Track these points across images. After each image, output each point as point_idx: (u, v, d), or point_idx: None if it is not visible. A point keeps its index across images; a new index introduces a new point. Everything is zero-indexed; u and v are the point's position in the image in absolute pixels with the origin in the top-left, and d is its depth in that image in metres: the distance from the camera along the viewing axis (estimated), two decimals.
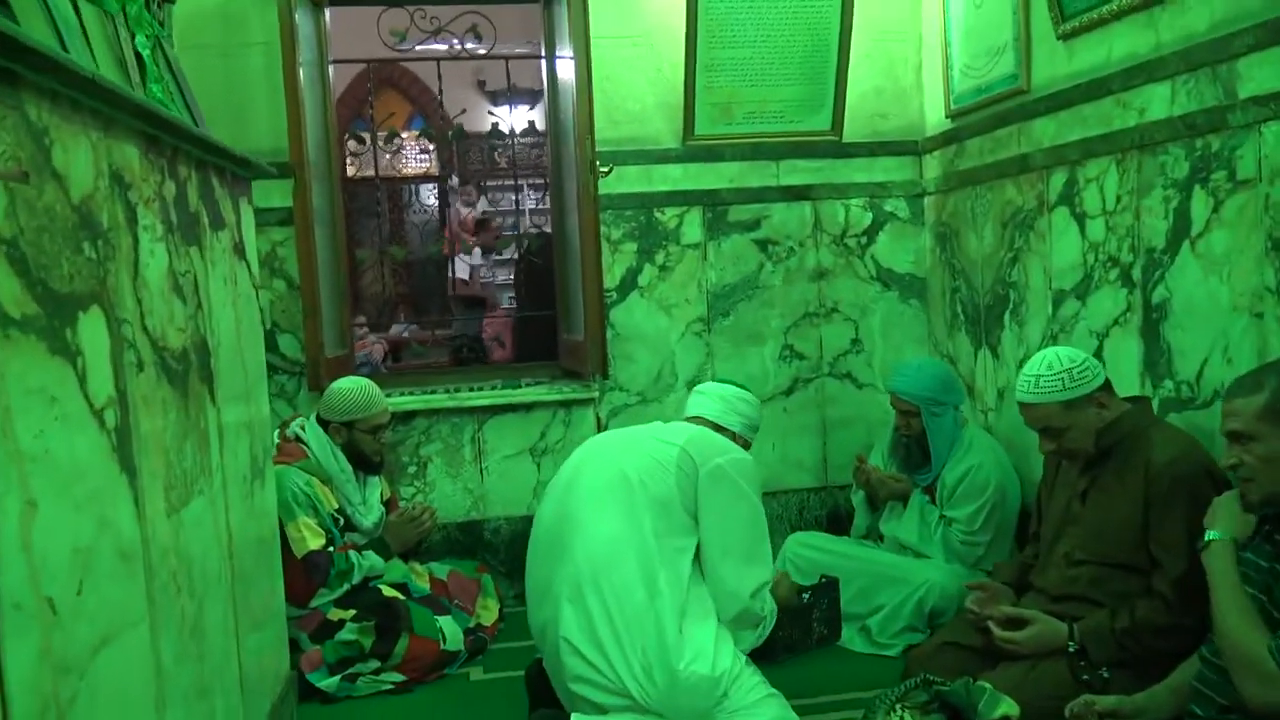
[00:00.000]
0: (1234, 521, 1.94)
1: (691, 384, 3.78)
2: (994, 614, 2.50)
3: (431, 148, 9.43)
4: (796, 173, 3.83)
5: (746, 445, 2.59)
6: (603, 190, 3.59)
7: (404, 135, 9.34)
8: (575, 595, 2.28)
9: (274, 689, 2.41)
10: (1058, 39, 2.92)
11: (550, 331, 6.79)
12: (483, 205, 9.31)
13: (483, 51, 4.23)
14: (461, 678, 3.06)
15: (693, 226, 3.79)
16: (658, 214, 3.76)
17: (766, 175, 3.81)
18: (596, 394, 3.75)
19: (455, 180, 9.39)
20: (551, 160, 3.99)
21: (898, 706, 2.37)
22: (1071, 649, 2.36)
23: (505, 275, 8.66)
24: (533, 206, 9.32)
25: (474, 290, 7.62)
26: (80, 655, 1.12)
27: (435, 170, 9.45)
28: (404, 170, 9.37)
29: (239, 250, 2.05)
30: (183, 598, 1.53)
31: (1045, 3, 2.93)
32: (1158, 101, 2.54)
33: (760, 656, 2.50)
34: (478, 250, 7.87)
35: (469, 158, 9.39)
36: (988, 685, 2.31)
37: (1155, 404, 2.58)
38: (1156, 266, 2.61)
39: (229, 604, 1.87)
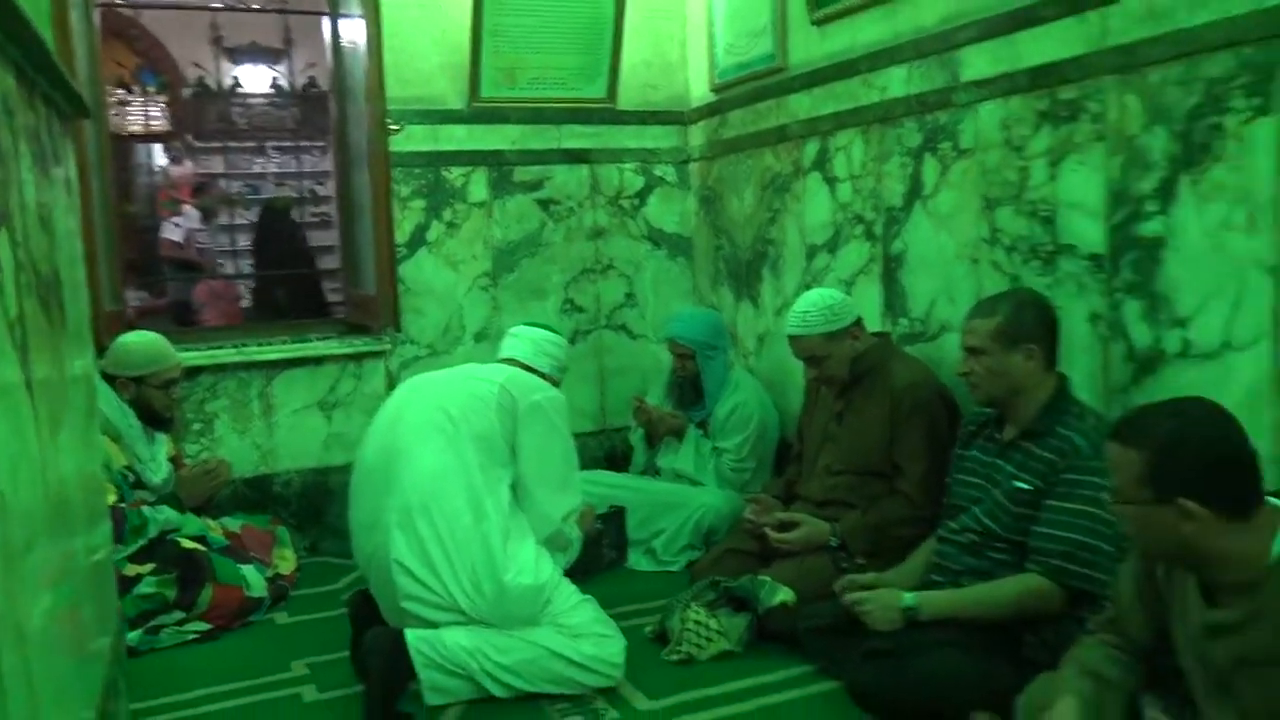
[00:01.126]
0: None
1: (479, 336, 3.97)
2: (768, 520, 2.90)
3: (163, 104, 8.89)
4: (576, 137, 4.08)
5: (556, 384, 2.81)
6: (391, 148, 3.69)
7: (148, 90, 8.73)
8: (405, 522, 2.43)
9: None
10: (811, 24, 3.34)
11: (294, 292, 6.67)
12: (217, 168, 8.90)
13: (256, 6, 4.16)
14: (268, 623, 3.11)
15: (479, 186, 3.96)
16: (445, 173, 3.90)
17: (549, 139, 4.04)
18: (388, 347, 3.85)
19: (189, 140, 8.91)
20: (336, 118, 4.02)
21: (692, 604, 2.72)
22: (833, 544, 2.79)
23: (231, 241, 8.43)
24: (277, 170, 9.01)
25: (189, 255, 7.30)
26: None
27: (167, 129, 8.91)
28: (130, 128, 8.77)
29: (68, 188, 2.03)
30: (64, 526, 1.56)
31: None
32: (896, 82, 3.00)
33: None
34: (194, 213, 7.53)
35: (205, 117, 8.93)
36: (767, 578, 2.71)
37: (895, 338, 3.06)
38: (895, 223, 3.08)
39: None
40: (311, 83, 8.76)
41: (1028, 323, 2.31)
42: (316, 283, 7.07)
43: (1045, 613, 2.17)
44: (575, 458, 2.68)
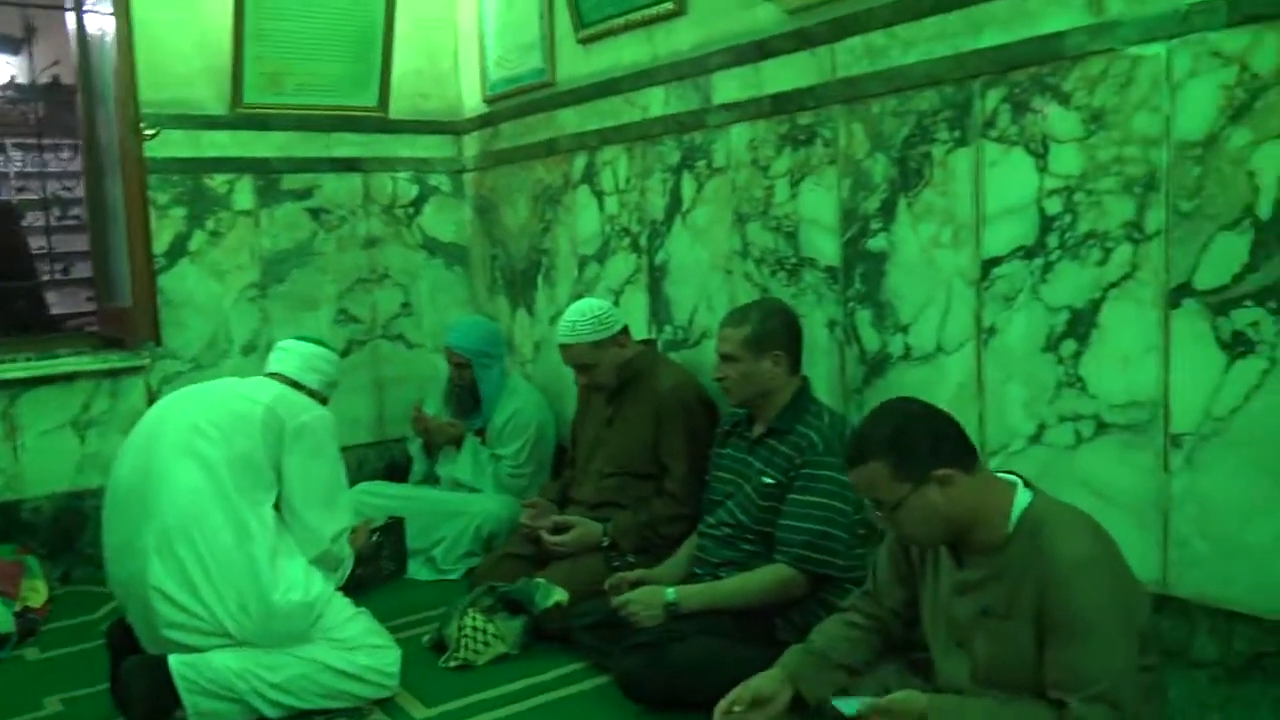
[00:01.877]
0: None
1: (247, 349, 3.86)
2: (544, 524, 2.99)
3: None
4: (346, 145, 4.04)
5: (325, 401, 2.78)
6: (147, 154, 3.52)
7: None
8: (164, 547, 2.35)
9: None
10: (578, 43, 3.46)
11: (14, 304, 6.13)
12: None
13: None
14: (16, 660, 2.92)
15: (244, 194, 3.84)
16: (207, 180, 3.76)
17: (318, 146, 3.97)
18: (147, 361, 3.67)
19: None
20: (84, 120, 3.79)
21: (469, 610, 2.77)
22: (605, 544, 2.91)
23: None
24: (20, 170, 8.32)
25: None
26: None
27: None
28: None
29: None
30: None
31: (567, 10, 3.45)
32: (656, 102, 3.16)
33: None
34: None
35: None
36: (542, 580, 2.80)
37: (660, 345, 3.22)
38: (658, 235, 3.25)
39: None
40: (55, 80, 8.12)
41: (775, 331, 2.51)
42: (39, 295, 6.53)
43: (792, 598, 2.37)
44: (344, 477, 2.65)
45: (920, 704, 1.67)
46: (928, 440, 1.71)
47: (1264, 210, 1.83)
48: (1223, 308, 1.90)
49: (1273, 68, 1.80)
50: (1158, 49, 1.96)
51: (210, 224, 3.79)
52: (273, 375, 2.73)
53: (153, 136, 3.52)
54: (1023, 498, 1.71)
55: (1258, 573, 1.89)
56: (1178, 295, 1.97)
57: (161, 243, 3.68)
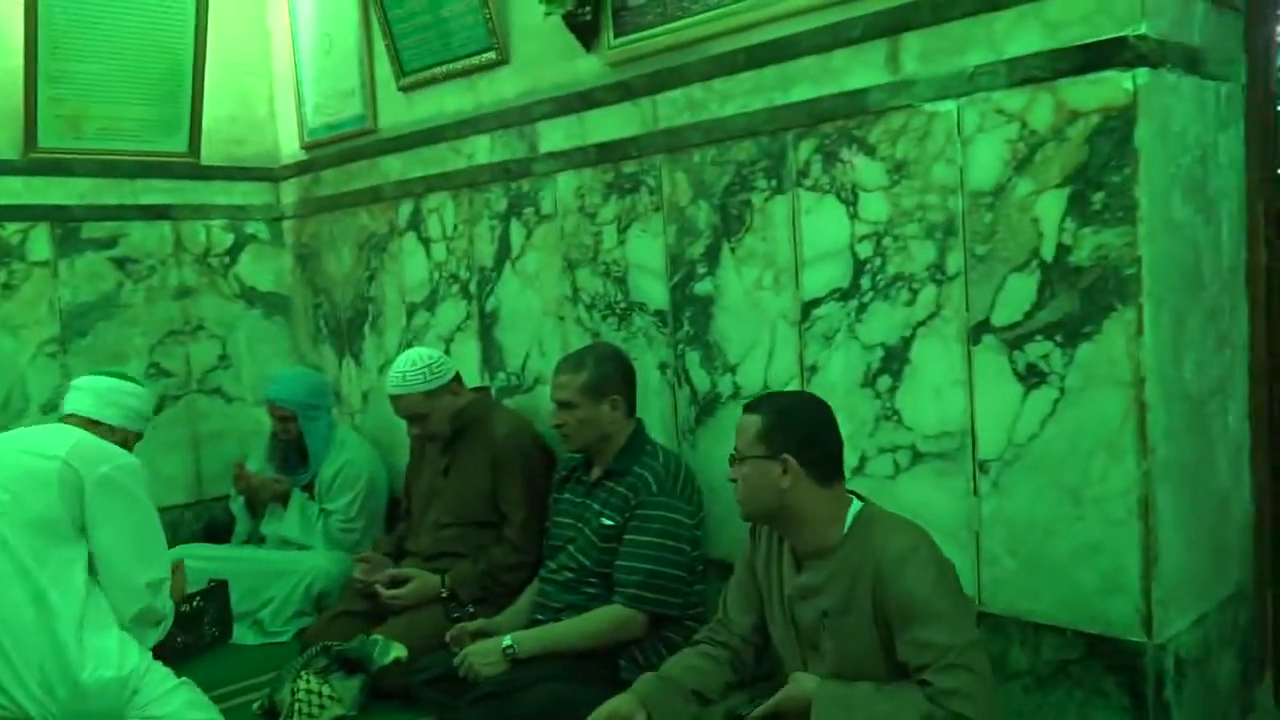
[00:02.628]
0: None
1: (48, 408, 3.60)
2: (379, 578, 2.91)
3: None
4: (154, 192, 3.85)
5: (137, 435, 2.59)
6: None
7: None
8: None
9: None
10: (399, 90, 3.44)
11: None
12: None
13: None
14: None
15: (40, 243, 3.60)
16: None
17: (123, 193, 3.77)
18: None
19: None
20: None
21: (302, 674, 2.67)
22: (444, 594, 2.86)
23: None
24: None
25: None
26: None
27: None
28: None
29: None
30: None
31: (387, 57, 3.43)
32: (482, 150, 3.18)
33: None
34: None
35: None
36: (379, 636, 2.73)
37: (494, 391, 3.21)
38: (488, 282, 3.25)
39: None
40: None
41: (611, 375, 2.55)
42: None
43: (631, 637, 2.39)
44: (157, 525, 2.47)
45: (809, 688, 1.79)
46: (803, 433, 1.87)
47: (1048, 253, 2.01)
48: (1017, 342, 2.07)
49: (1049, 125, 1.99)
50: (949, 106, 2.12)
51: (2, 275, 3.53)
52: (69, 417, 2.53)
53: None
54: (855, 506, 1.88)
55: (1060, 586, 2.05)
56: (978, 332, 2.12)
57: None
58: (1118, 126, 1.91)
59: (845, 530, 1.85)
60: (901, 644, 1.74)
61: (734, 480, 1.91)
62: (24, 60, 3.40)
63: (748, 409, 1.93)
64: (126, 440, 2.55)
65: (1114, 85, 1.91)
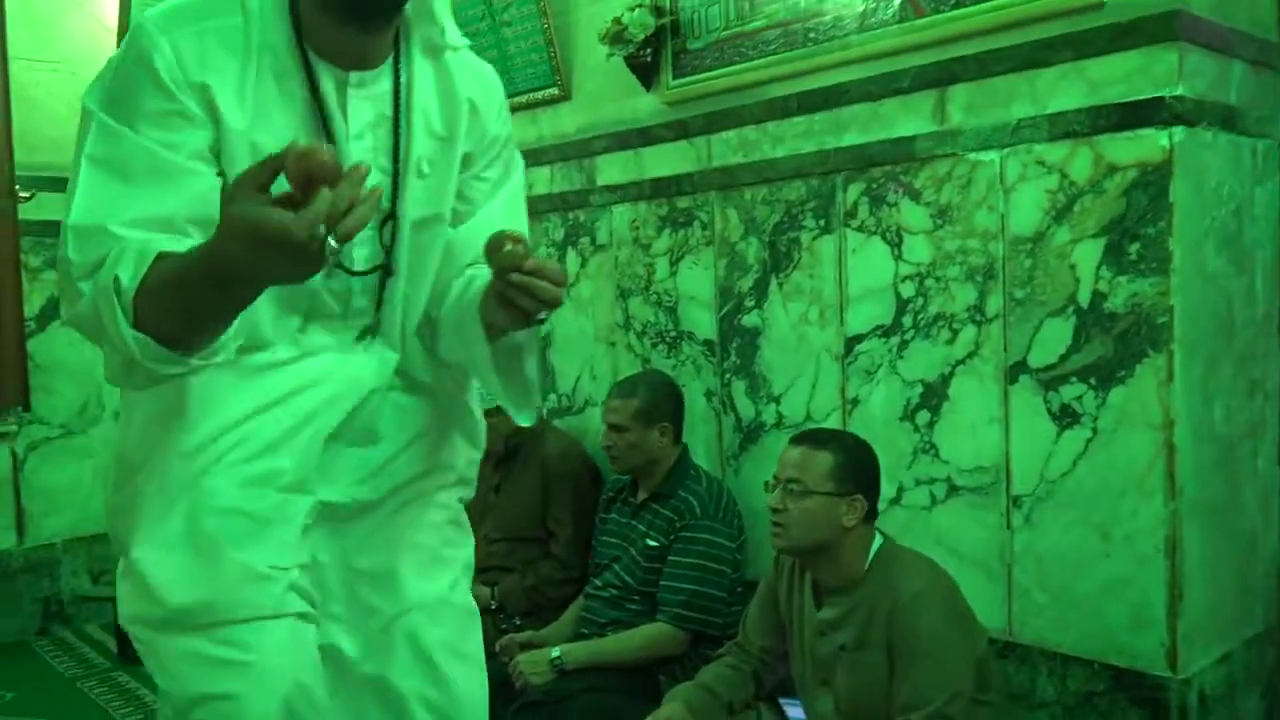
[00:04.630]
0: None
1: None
2: None
3: None
4: None
5: None
6: (22, 216, 3.47)
7: None
8: None
9: None
10: None
11: None
12: None
13: None
14: None
15: None
16: None
17: None
18: (14, 428, 3.57)
19: None
20: None
21: None
22: (493, 606, 2.98)
23: None
24: None
25: None
26: None
27: None
28: None
29: None
30: None
31: None
32: (541, 180, 3.32)
33: None
34: None
35: None
36: None
37: (545, 412, 3.34)
38: None
39: None
40: None
41: (662, 402, 2.67)
42: None
43: (673, 654, 2.50)
44: None
45: None
46: (872, 475, 1.99)
47: (1084, 299, 2.10)
48: (1052, 384, 2.16)
49: (1087, 177, 2.08)
50: (992, 156, 2.23)
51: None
52: None
53: (28, 199, 3.48)
54: (878, 542, 1.96)
55: (1087, 620, 2.12)
56: (1015, 372, 2.22)
57: (33, 306, 3.60)
58: (1154, 181, 2.00)
59: (867, 566, 1.93)
60: (898, 682, 1.81)
61: (780, 509, 1.92)
62: None
63: (805, 442, 1.98)
64: None
65: (1151, 142, 2.00)
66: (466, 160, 1.33)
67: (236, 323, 1.09)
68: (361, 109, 1.24)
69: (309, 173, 0.92)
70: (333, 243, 0.93)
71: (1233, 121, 2.13)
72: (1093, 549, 2.11)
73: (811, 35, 2.52)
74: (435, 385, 1.39)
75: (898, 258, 2.41)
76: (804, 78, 2.55)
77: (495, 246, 1.11)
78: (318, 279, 1.08)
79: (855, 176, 2.48)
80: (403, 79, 1.26)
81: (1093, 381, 2.10)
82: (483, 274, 1.24)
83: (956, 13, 2.25)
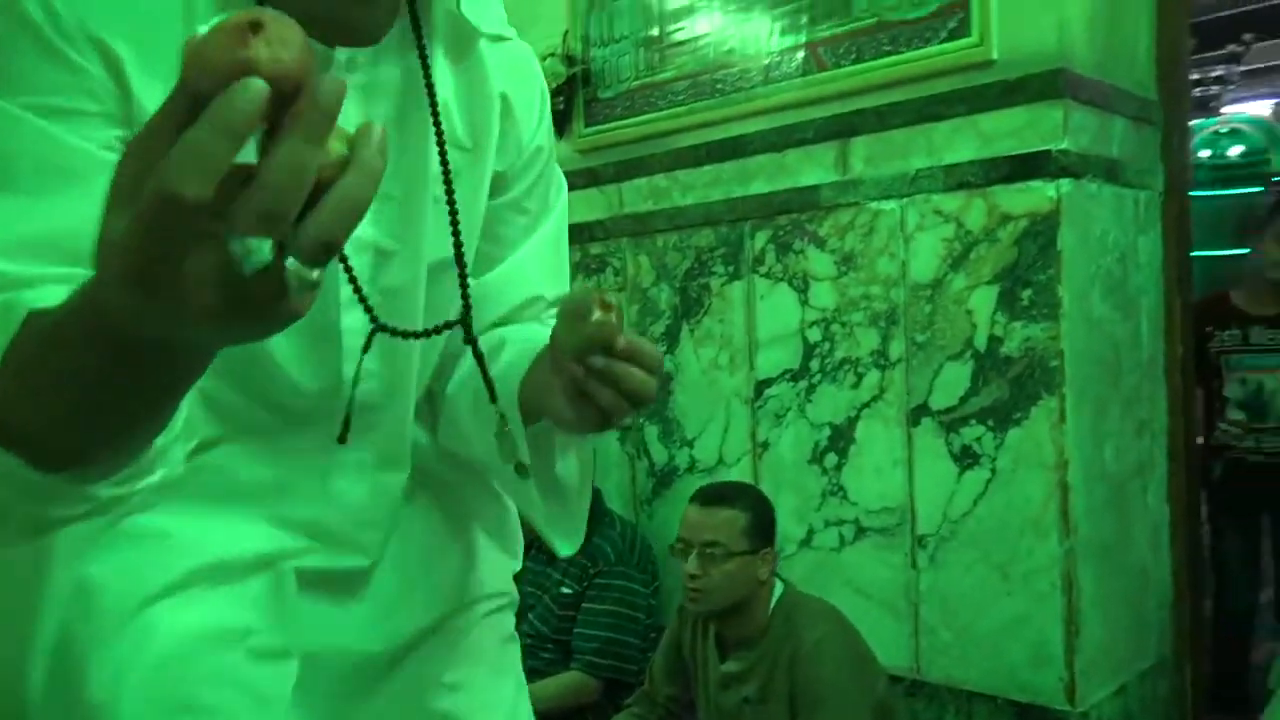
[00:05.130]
0: None
1: None
2: None
3: None
4: None
5: None
6: None
7: None
8: None
9: None
10: None
11: None
12: None
13: None
14: None
15: None
16: None
17: None
18: None
19: None
20: None
21: None
22: None
23: None
24: None
25: None
26: None
27: None
28: None
29: None
30: None
31: None
32: None
33: None
34: None
35: None
36: None
37: None
38: None
39: None
40: None
41: None
42: None
43: (587, 702, 2.48)
44: None
45: None
46: (773, 524, 1.98)
47: (980, 343, 2.17)
48: (953, 425, 2.22)
49: (981, 226, 2.17)
50: (893, 205, 2.30)
51: None
52: None
53: None
54: (779, 590, 1.96)
55: (990, 657, 2.17)
56: (917, 414, 2.27)
57: None
58: (1043, 230, 2.09)
59: (769, 615, 1.92)
60: None
61: (699, 575, 1.86)
62: None
63: (714, 502, 1.94)
64: None
65: (1040, 193, 2.09)
66: (498, 183, 0.92)
67: (184, 412, 0.62)
68: (351, 102, 0.70)
69: (235, 68, 0.41)
70: (301, 269, 0.44)
71: (1115, 174, 2.24)
72: (994, 587, 2.16)
73: (719, 87, 2.58)
74: (448, 475, 0.96)
75: (804, 303, 2.47)
76: (712, 128, 2.61)
77: (578, 312, 0.72)
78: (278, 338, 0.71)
79: (762, 224, 2.54)
80: (415, 63, 0.83)
81: (991, 423, 2.17)
82: (515, 340, 0.89)
83: (856, 67, 2.33)
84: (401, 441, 0.89)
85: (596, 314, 0.71)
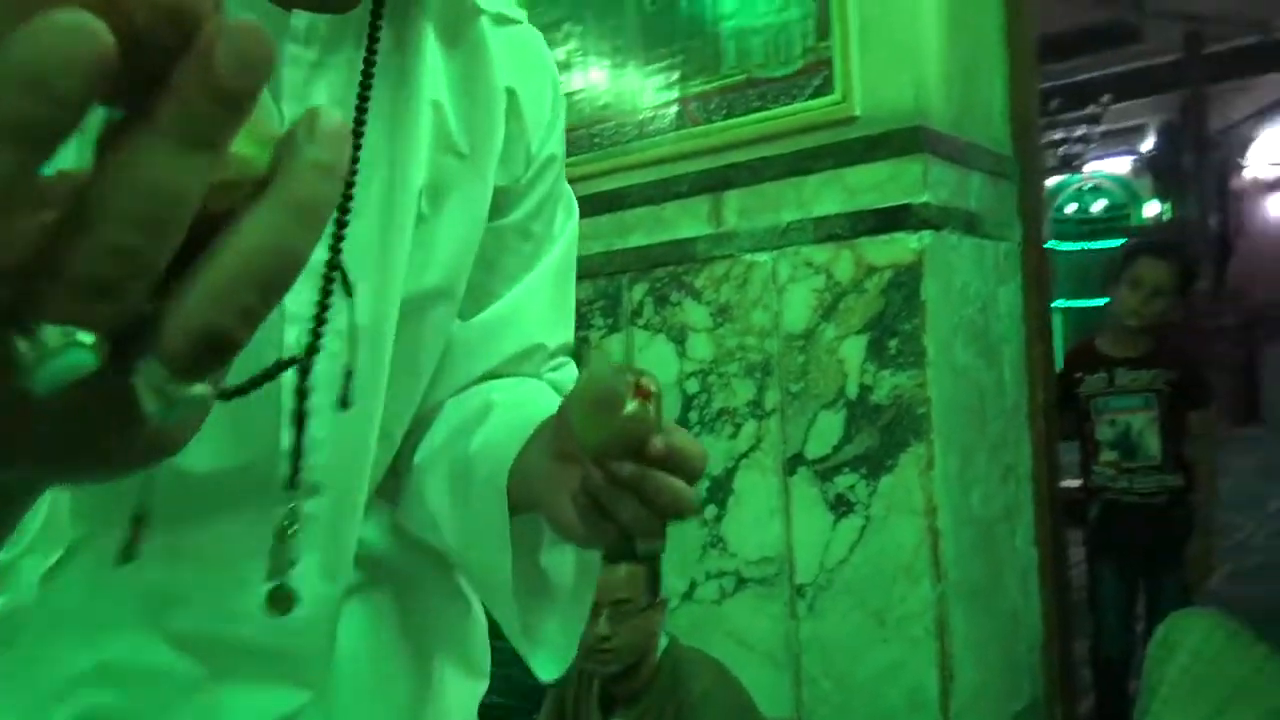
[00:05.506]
0: None
1: None
2: None
3: None
4: None
5: None
6: None
7: None
8: None
9: None
10: None
11: None
12: None
13: None
14: None
15: None
16: None
17: None
18: None
19: None
20: None
21: None
22: None
23: None
24: None
25: None
26: None
27: None
28: None
29: None
30: None
31: None
32: None
33: None
34: None
35: None
36: None
37: None
38: None
39: None
40: None
41: None
42: None
43: None
44: None
45: None
46: (659, 574, 1.94)
47: (852, 392, 2.21)
48: (828, 474, 2.24)
49: (850, 277, 2.21)
50: (765, 257, 2.34)
51: None
52: None
53: None
54: (664, 642, 1.94)
55: (868, 704, 2.18)
56: (793, 464, 2.29)
57: None
58: (907, 281, 2.14)
59: (655, 667, 1.90)
60: None
61: (609, 636, 1.77)
62: None
63: (617, 560, 1.80)
64: None
65: (903, 245, 2.15)
66: (501, 199, 0.74)
67: (41, 514, 0.50)
68: (311, 83, 0.60)
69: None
70: (168, 380, 0.23)
71: (974, 226, 2.32)
72: (870, 634, 2.18)
73: (596, 140, 2.60)
74: (405, 568, 0.75)
75: (682, 355, 2.48)
76: (589, 180, 2.62)
77: (606, 400, 0.53)
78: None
79: (640, 277, 2.55)
80: (393, 40, 0.63)
81: (864, 471, 2.20)
82: (506, 404, 0.72)
83: (728, 122, 2.38)
84: (350, 539, 0.67)
85: (631, 405, 0.53)
